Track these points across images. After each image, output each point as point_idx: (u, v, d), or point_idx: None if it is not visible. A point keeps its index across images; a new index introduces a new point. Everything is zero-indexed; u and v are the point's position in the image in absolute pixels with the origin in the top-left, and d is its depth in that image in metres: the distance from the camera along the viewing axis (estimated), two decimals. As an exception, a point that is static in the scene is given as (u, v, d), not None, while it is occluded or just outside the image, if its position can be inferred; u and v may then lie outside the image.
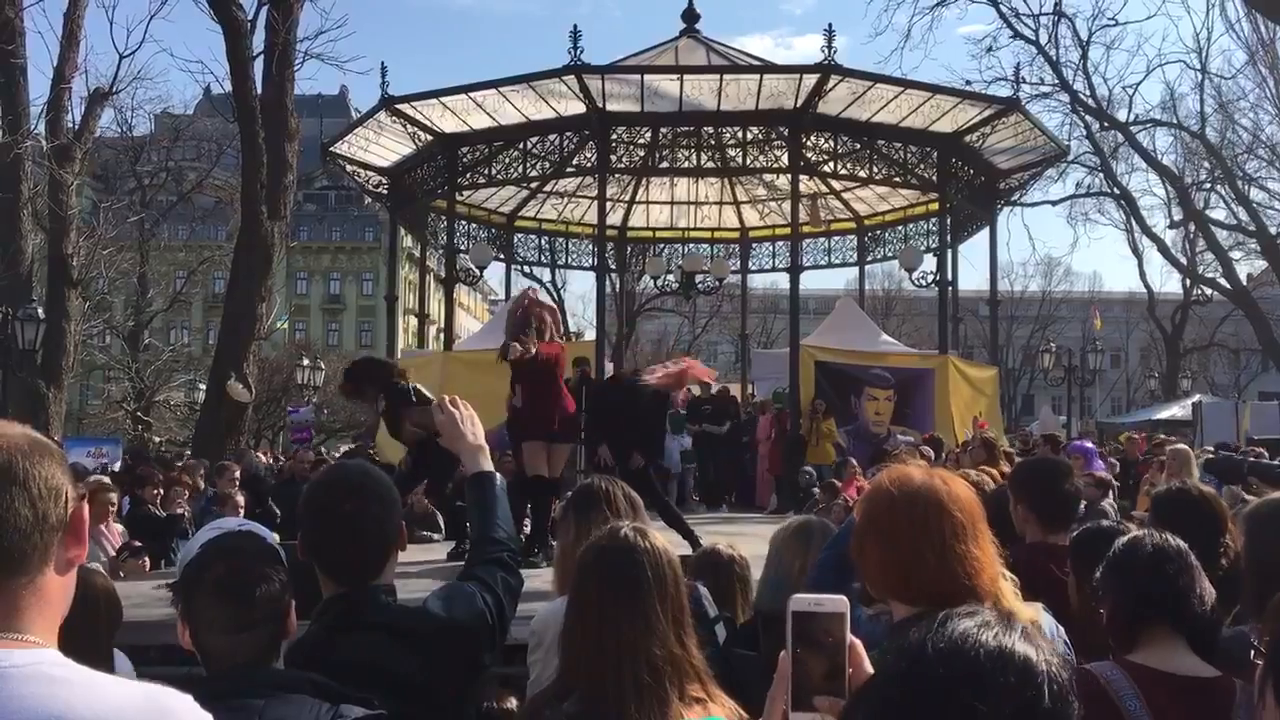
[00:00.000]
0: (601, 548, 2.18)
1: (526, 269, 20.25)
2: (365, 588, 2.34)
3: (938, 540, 2.00)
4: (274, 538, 2.19)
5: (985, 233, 18.23)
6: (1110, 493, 7.67)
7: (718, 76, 14.15)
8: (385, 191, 17.85)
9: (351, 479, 2.44)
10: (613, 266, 21.98)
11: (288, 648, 2.14)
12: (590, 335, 16.77)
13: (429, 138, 15.78)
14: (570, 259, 21.28)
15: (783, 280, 28.19)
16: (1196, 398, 29.15)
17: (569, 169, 15.81)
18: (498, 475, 2.74)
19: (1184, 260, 36.28)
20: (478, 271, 17.96)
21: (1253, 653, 1.83)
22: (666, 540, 2.25)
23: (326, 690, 1.94)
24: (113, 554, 7.88)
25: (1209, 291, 35.69)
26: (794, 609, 1.38)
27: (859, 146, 15.23)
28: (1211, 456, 8.55)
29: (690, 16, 17.30)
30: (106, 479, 9.33)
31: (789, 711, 1.36)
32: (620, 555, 2.13)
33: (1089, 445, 11.48)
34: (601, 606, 2.08)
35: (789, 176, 15.70)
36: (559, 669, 2.18)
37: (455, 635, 2.34)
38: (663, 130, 15.07)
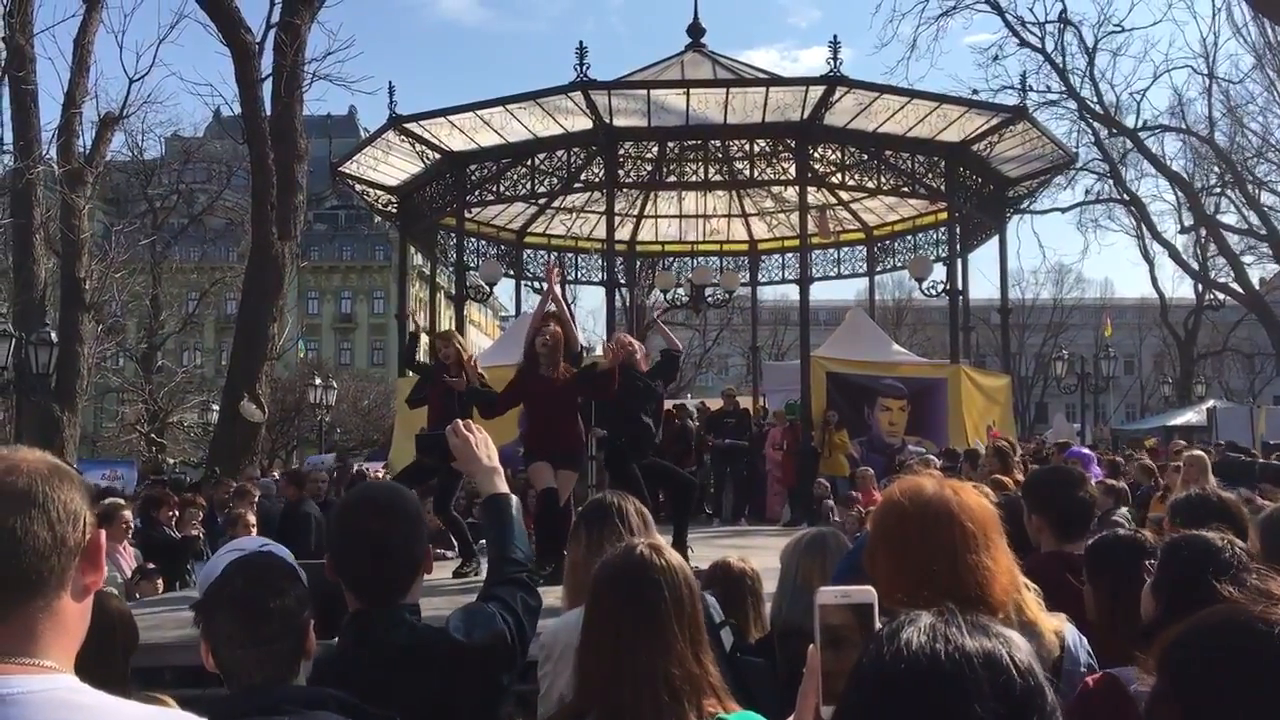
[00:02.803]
0: (617, 567, 2.16)
1: (536, 285, 20.31)
2: (389, 606, 2.35)
3: (949, 551, 2.00)
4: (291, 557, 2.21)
5: (995, 241, 18.22)
6: (1125, 501, 7.61)
7: (724, 90, 14.19)
8: (395, 210, 17.93)
9: (380, 499, 2.46)
10: (622, 281, 21.97)
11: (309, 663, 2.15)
12: (600, 350, 16.73)
13: (437, 156, 15.85)
14: (580, 274, 21.32)
15: (793, 292, 28.12)
16: (1211, 403, 29.00)
17: (577, 184, 15.87)
18: (513, 497, 2.75)
19: (1196, 265, 36.15)
20: (488, 288, 18.03)
21: (1133, 688, 1.82)
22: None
23: (349, 707, 1.94)
24: (129, 575, 7.89)
25: (1221, 296, 35.55)
26: (821, 602, 1.38)
27: (866, 157, 15.24)
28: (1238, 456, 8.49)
29: (695, 31, 17.35)
30: (121, 499, 9.35)
31: (820, 706, 1.35)
32: (636, 575, 2.11)
33: (1086, 451, 11.43)
34: (618, 627, 2.07)
35: (797, 188, 15.71)
36: (575, 689, 2.16)
37: (475, 656, 2.34)
38: (670, 144, 15.10)
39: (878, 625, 1.35)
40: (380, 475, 15.07)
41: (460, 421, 2.80)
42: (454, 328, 14.99)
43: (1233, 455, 8.22)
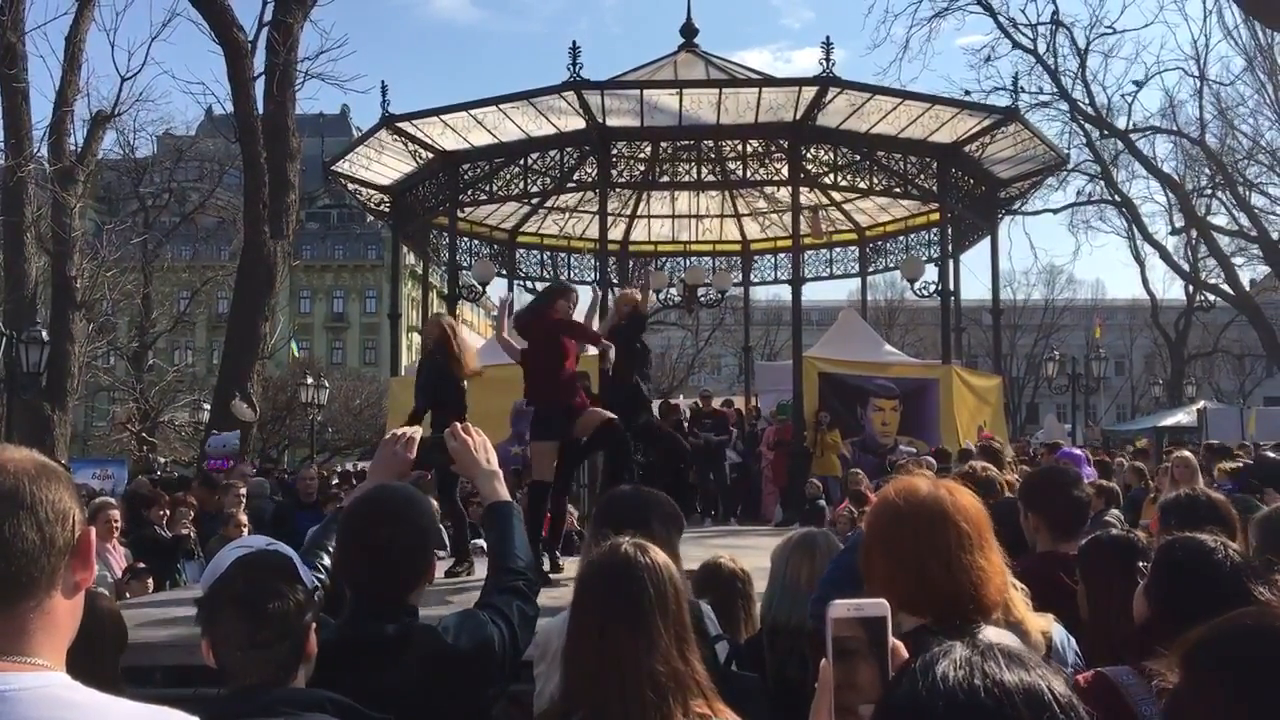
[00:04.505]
0: (601, 564, 2.17)
1: (529, 284, 20.33)
2: (387, 602, 2.35)
3: (943, 551, 2.00)
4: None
5: (987, 242, 18.26)
6: (1116, 502, 7.63)
7: (717, 90, 14.18)
8: (387, 209, 17.90)
9: (390, 506, 2.43)
10: (615, 281, 21.98)
11: None
12: (592, 350, 16.68)
13: (430, 155, 15.81)
14: (572, 274, 21.29)
15: (785, 292, 28.22)
16: (1201, 404, 29.08)
17: (570, 184, 15.84)
18: (515, 505, 2.73)
19: (1186, 267, 36.26)
20: (480, 288, 17.99)
21: (1153, 688, 1.80)
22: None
23: (345, 709, 1.94)
24: (119, 575, 7.86)
25: (1212, 298, 35.69)
26: (833, 615, 1.35)
27: (859, 158, 15.24)
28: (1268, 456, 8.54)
29: (689, 31, 17.35)
30: (110, 498, 9.32)
31: None
32: (620, 572, 2.12)
33: (1077, 452, 11.43)
34: (603, 624, 2.07)
35: (789, 189, 15.72)
36: (561, 689, 2.16)
37: (458, 660, 2.33)
38: (663, 144, 15.09)
39: (890, 639, 1.33)
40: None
41: (459, 424, 2.78)
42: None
43: (1269, 456, 8.30)
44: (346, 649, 2.21)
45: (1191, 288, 36.95)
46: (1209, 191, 35.15)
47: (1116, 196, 34.13)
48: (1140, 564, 2.74)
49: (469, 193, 16.21)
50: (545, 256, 20.98)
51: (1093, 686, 2.28)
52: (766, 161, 15.27)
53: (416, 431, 2.85)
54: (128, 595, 7.44)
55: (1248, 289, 35.20)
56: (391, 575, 2.36)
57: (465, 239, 18.71)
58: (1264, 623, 1.34)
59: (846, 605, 1.37)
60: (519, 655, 2.50)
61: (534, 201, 18.40)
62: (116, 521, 8.17)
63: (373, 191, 17.47)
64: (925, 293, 16.76)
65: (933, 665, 1.07)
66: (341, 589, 2.43)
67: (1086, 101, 31.80)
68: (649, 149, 15.28)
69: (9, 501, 1.26)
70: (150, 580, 7.97)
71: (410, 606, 2.39)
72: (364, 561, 2.35)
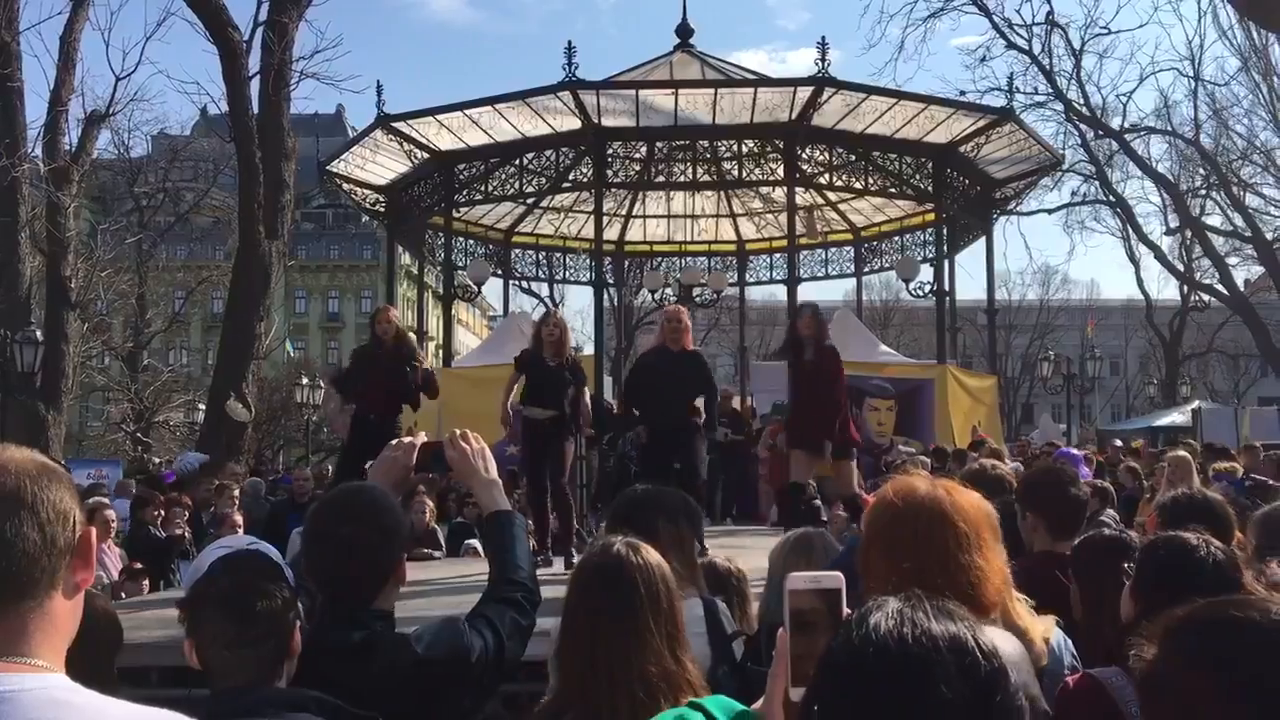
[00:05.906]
0: (593, 564, 2.17)
1: (524, 284, 20.42)
2: (355, 606, 2.34)
3: (941, 551, 2.00)
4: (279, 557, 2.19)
5: (982, 242, 18.30)
6: (1111, 502, 7.64)
7: (712, 90, 14.20)
8: (382, 209, 17.88)
9: (353, 504, 2.42)
10: (610, 281, 22.00)
11: None
12: (589, 350, 16.73)
13: (425, 155, 15.81)
14: (568, 274, 21.31)
15: (781, 292, 28.21)
16: (1196, 404, 29.10)
17: (565, 184, 15.85)
18: (518, 515, 2.71)
19: (1181, 267, 36.32)
20: (476, 288, 17.98)
21: (1131, 656, 1.83)
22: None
23: (329, 709, 1.93)
24: (115, 576, 7.86)
25: (1206, 298, 35.72)
26: (791, 587, 1.41)
27: (854, 158, 15.27)
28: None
29: (684, 32, 17.35)
30: (105, 499, 9.32)
31: (789, 689, 1.38)
32: (612, 571, 2.12)
33: (1075, 452, 11.45)
34: (594, 623, 2.07)
35: (785, 189, 15.74)
36: (554, 688, 2.16)
37: (425, 667, 2.29)
38: (658, 144, 15.10)
39: (845, 611, 1.37)
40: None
41: (457, 431, 2.75)
42: (442, 324, 14.90)
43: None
44: (312, 654, 2.20)
45: (1186, 288, 36.97)
46: (1203, 192, 35.18)
47: (1111, 197, 34.16)
48: (1127, 565, 2.75)
49: (464, 192, 16.22)
50: (540, 256, 20.99)
51: (1081, 688, 2.29)
52: (762, 161, 15.29)
53: (420, 438, 2.84)
54: (123, 595, 7.43)
55: (1242, 289, 35.26)
56: (353, 575, 2.33)
57: (460, 239, 18.71)
58: (1244, 610, 1.36)
59: (804, 578, 1.43)
60: (504, 665, 2.45)
61: (529, 201, 18.40)
62: (113, 522, 8.18)
63: (368, 191, 17.46)
64: (920, 293, 16.79)
65: (867, 617, 1.15)
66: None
67: (1081, 102, 31.85)
68: (644, 149, 15.28)
69: (10, 501, 1.26)
70: (146, 581, 7.97)
71: (380, 610, 2.36)
72: (326, 560, 2.33)
